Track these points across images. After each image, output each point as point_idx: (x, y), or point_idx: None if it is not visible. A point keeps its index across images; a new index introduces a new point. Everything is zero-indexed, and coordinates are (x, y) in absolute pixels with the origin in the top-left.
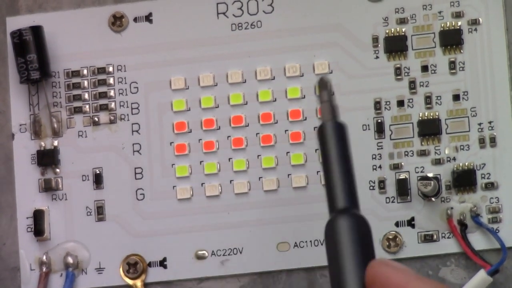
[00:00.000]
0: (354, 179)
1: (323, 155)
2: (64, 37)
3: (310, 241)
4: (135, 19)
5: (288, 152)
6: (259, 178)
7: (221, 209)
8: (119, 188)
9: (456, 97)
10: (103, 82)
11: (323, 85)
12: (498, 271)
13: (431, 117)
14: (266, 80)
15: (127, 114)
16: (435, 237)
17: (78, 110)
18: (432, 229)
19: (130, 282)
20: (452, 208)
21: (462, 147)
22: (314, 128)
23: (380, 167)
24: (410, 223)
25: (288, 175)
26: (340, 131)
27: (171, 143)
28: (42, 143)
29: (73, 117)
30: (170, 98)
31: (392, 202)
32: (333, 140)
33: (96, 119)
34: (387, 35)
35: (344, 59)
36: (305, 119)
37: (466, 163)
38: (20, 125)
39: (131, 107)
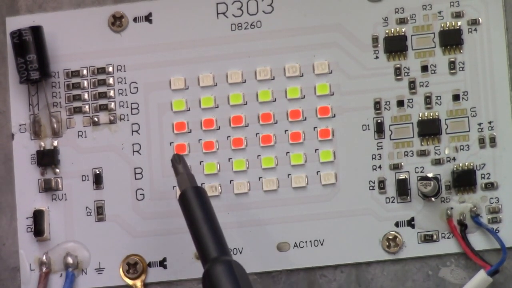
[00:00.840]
0: (220, 231)
1: (188, 217)
2: (64, 37)
3: (310, 241)
4: (135, 19)
5: (288, 152)
6: (259, 178)
7: (221, 209)
8: (119, 188)
9: (456, 97)
10: (102, 82)
11: (176, 161)
12: (498, 271)
13: (431, 117)
14: (266, 80)
15: (127, 114)
16: (435, 237)
17: (78, 110)
18: (432, 229)
19: (130, 282)
20: (452, 208)
21: (462, 147)
22: (314, 128)
23: (380, 167)
24: (410, 223)
25: (288, 175)
26: (200, 193)
27: (171, 143)
28: (42, 143)
29: (73, 117)
30: (170, 98)
31: (392, 202)
32: (195, 203)
33: (96, 119)
34: (387, 35)
35: (344, 59)
36: (305, 119)
37: (466, 163)
38: (20, 125)
39: (131, 107)
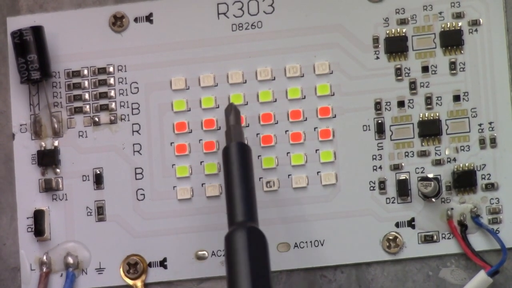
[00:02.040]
0: (254, 195)
1: (226, 173)
2: (64, 37)
3: (310, 242)
4: (136, 19)
5: (289, 153)
6: (259, 178)
7: (221, 210)
8: (120, 188)
9: (456, 98)
10: (103, 82)
11: (229, 110)
12: (498, 272)
13: (432, 118)
14: (266, 80)
15: (128, 114)
16: (435, 237)
17: (79, 110)
18: (432, 229)
19: (130, 282)
20: (452, 208)
21: (462, 147)
22: (315, 128)
23: (380, 167)
24: (410, 223)
25: (289, 175)
26: (244, 151)
27: (171, 143)
28: (43, 143)
29: (73, 117)
30: (171, 98)
31: (392, 202)
32: (237, 160)
33: (96, 119)
34: (387, 36)
35: (344, 59)
36: (306, 120)
37: (467, 164)
38: (21, 125)
39: (131, 107)
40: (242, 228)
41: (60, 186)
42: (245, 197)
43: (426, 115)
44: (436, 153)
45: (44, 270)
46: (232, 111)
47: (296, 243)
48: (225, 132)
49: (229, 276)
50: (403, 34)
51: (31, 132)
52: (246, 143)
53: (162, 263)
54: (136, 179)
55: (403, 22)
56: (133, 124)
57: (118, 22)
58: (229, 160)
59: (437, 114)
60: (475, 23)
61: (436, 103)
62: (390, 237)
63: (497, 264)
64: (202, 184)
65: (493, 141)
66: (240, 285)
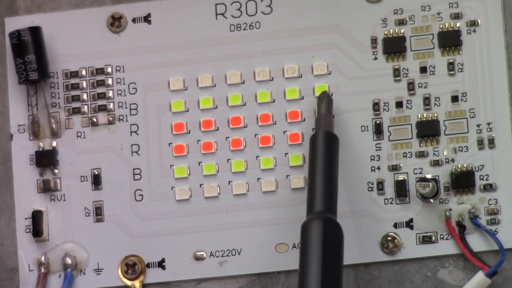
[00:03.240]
0: (336, 187)
1: (311, 160)
2: (62, 37)
3: None
4: (134, 20)
5: (287, 153)
6: (258, 179)
7: (219, 210)
8: (118, 189)
9: (454, 99)
10: (101, 83)
11: (322, 98)
12: (496, 273)
13: (430, 119)
14: (264, 81)
15: (126, 115)
16: (433, 238)
17: (77, 111)
18: (430, 230)
19: (128, 283)
20: (450, 209)
21: (460, 148)
22: (313, 129)
23: (378, 168)
24: (409, 224)
25: (287, 176)
26: (332, 141)
27: (169, 144)
28: (41, 144)
29: (71, 117)
30: (169, 99)
31: (391, 203)
32: (323, 148)
33: (94, 119)
34: (385, 36)
35: (342, 60)
36: (304, 120)
37: (465, 165)
38: (19, 125)
39: (129, 108)
40: (320, 219)
41: (58, 186)
42: (326, 187)
43: (424, 116)
44: (434, 153)
45: (43, 270)
46: (325, 100)
47: (294, 244)
48: (315, 119)
49: (301, 265)
50: (401, 35)
51: (29, 132)
52: (334, 132)
53: (161, 264)
54: (134, 179)
55: (401, 22)
56: (131, 124)
57: (116, 23)
58: (315, 149)
59: (435, 115)
60: (473, 23)
61: (434, 104)
62: (389, 238)
63: (495, 265)
64: (201, 185)
65: (491, 141)
66: (310, 275)
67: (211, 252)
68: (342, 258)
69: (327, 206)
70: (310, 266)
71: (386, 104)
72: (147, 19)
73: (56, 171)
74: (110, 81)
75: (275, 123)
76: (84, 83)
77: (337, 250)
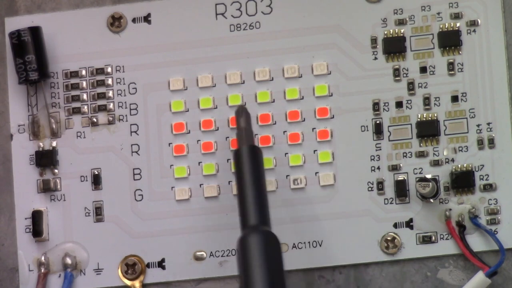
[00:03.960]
0: (266, 198)
1: (237, 176)
2: (62, 37)
3: (308, 242)
4: (134, 20)
5: (287, 153)
6: None
7: (219, 210)
8: (118, 189)
9: (454, 98)
10: (101, 83)
11: (240, 113)
12: (496, 273)
13: (430, 118)
14: (264, 81)
15: (126, 115)
16: (433, 238)
17: (77, 111)
18: (430, 230)
19: (128, 283)
20: (450, 209)
21: (460, 148)
22: (313, 129)
23: (378, 168)
24: (409, 224)
25: (287, 176)
26: (254, 154)
27: (169, 144)
28: (41, 144)
29: (71, 117)
30: (169, 99)
31: (391, 203)
32: (248, 163)
33: (94, 119)
34: (385, 36)
35: (342, 60)
36: (304, 120)
37: (465, 165)
38: (19, 125)
39: (129, 107)
40: (256, 232)
41: (58, 186)
42: (257, 200)
43: (424, 116)
44: (434, 153)
45: (42, 270)
46: (243, 114)
47: (294, 244)
48: (236, 134)
49: (243, 280)
50: (401, 35)
51: (29, 132)
52: (256, 145)
53: (160, 264)
54: (134, 179)
55: (401, 22)
56: (131, 124)
57: (116, 23)
58: (241, 164)
59: (435, 115)
60: (473, 23)
61: (434, 104)
62: (388, 238)
63: (495, 265)
64: (200, 185)
65: (491, 141)
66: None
67: (211, 252)
68: (284, 270)
69: (261, 219)
70: (255, 281)
71: (386, 104)
72: (147, 19)
73: (56, 171)
74: (110, 81)
75: (275, 123)
76: (84, 83)
77: (279, 262)
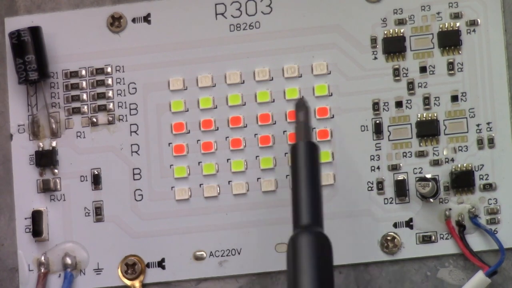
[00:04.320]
0: (320, 198)
1: (293, 172)
2: (62, 37)
3: None
4: (134, 20)
5: (286, 153)
6: (258, 179)
7: (219, 210)
8: (117, 189)
9: (454, 98)
10: (101, 83)
11: (300, 107)
12: (496, 272)
13: (430, 118)
14: (264, 81)
15: (126, 115)
16: (433, 238)
17: (77, 111)
18: (430, 230)
19: (128, 283)
20: (450, 209)
21: (460, 148)
22: (313, 129)
23: (378, 168)
24: (409, 224)
25: (286, 176)
26: (312, 151)
27: (169, 143)
28: (41, 144)
29: (71, 117)
30: (169, 98)
31: (391, 203)
32: (304, 159)
33: (94, 119)
34: (385, 36)
35: (342, 60)
36: None
37: (465, 164)
38: (19, 125)
39: (129, 107)
40: (309, 233)
41: (58, 186)
42: (311, 199)
43: (424, 116)
44: (434, 153)
45: (42, 270)
46: (303, 107)
47: None
48: (294, 128)
49: (292, 280)
50: (401, 35)
51: (29, 132)
52: (314, 142)
53: (160, 264)
54: (134, 179)
55: (401, 22)
56: (131, 124)
57: (116, 23)
58: (296, 159)
59: (435, 115)
60: (473, 23)
61: (434, 104)
62: (388, 238)
63: (495, 264)
64: (200, 185)
65: (491, 141)
66: None
67: (211, 252)
68: (333, 273)
69: (314, 219)
70: (304, 282)
71: (386, 104)
72: (147, 19)
73: (56, 171)
74: (110, 81)
75: (275, 123)
76: (84, 83)
77: (329, 265)
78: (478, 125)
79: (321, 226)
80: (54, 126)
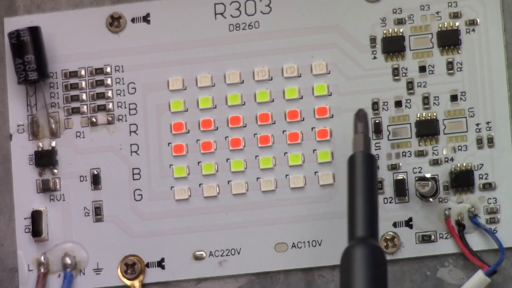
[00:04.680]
0: (377, 210)
1: (350, 183)
2: (62, 37)
3: (308, 242)
4: (133, 20)
5: (286, 153)
6: (257, 178)
7: (219, 210)
8: (117, 189)
9: (453, 98)
10: (101, 83)
11: (360, 118)
12: (496, 272)
13: (429, 118)
14: (264, 80)
15: (125, 115)
16: (433, 237)
17: (76, 111)
18: (430, 229)
19: (128, 282)
20: (450, 208)
21: (460, 147)
22: (312, 128)
23: (378, 167)
24: (408, 223)
25: (286, 175)
26: (370, 162)
27: (169, 143)
28: (40, 144)
29: (71, 117)
30: (168, 98)
31: (390, 202)
32: (362, 170)
33: (94, 119)
34: (384, 36)
35: (342, 59)
36: (303, 120)
37: (464, 164)
38: (18, 125)
39: (129, 107)
40: (364, 244)
41: (58, 186)
42: (367, 211)
43: (424, 115)
44: (433, 153)
45: (42, 270)
46: (363, 119)
47: (294, 243)
48: (353, 138)
49: None
50: (400, 34)
51: (28, 132)
52: (372, 153)
53: (160, 264)
54: (134, 179)
55: (400, 22)
56: (130, 124)
57: (115, 23)
58: (354, 170)
59: (435, 114)
60: (472, 23)
61: (434, 103)
62: (388, 237)
63: (495, 264)
64: (200, 185)
65: (490, 140)
66: None
67: (211, 252)
68: (387, 285)
69: (369, 231)
70: None
71: (385, 104)
72: (146, 19)
73: (55, 171)
74: (109, 81)
75: (274, 123)
76: (83, 83)
77: (383, 278)
78: (477, 125)
79: (376, 239)
80: (53, 126)
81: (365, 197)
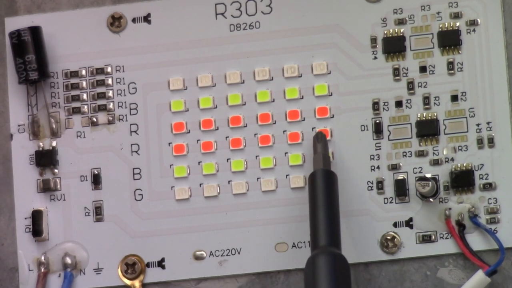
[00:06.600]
0: (338, 222)
1: (311, 197)
2: (62, 37)
3: (308, 242)
4: (134, 20)
5: (286, 153)
6: (257, 178)
7: (219, 210)
8: (118, 189)
9: (454, 98)
10: (101, 83)
11: (319, 139)
12: (496, 272)
13: (429, 118)
14: (264, 80)
15: (126, 115)
16: (433, 237)
17: (77, 111)
18: (430, 229)
19: (128, 282)
20: (450, 208)
21: (460, 147)
22: (313, 128)
23: (378, 167)
24: (408, 223)
25: (287, 175)
26: (330, 178)
27: (169, 143)
28: (41, 144)
29: (71, 117)
30: (169, 98)
31: (390, 202)
32: (322, 185)
33: (94, 119)
34: (385, 36)
35: (342, 59)
36: (303, 120)
37: (464, 164)
38: (19, 125)
39: (129, 107)
40: (326, 253)
41: (58, 186)
42: (329, 222)
43: (424, 115)
44: (434, 153)
45: (42, 270)
46: (322, 140)
47: (294, 243)
48: (313, 157)
49: None
50: (401, 34)
51: (29, 132)
52: (332, 170)
53: (160, 263)
54: (134, 179)
55: (401, 22)
56: (131, 124)
57: (116, 23)
58: (315, 185)
59: (435, 114)
60: (473, 23)
61: (434, 103)
62: (388, 237)
63: (495, 263)
64: (200, 184)
65: (491, 141)
66: None
67: (211, 252)
68: None
69: (331, 240)
70: None
71: (386, 104)
72: (147, 19)
73: (56, 170)
74: (110, 81)
75: (274, 123)
76: (84, 83)
77: (346, 284)
78: (478, 125)
79: (338, 248)
80: (54, 126)
81: (327, 210)
